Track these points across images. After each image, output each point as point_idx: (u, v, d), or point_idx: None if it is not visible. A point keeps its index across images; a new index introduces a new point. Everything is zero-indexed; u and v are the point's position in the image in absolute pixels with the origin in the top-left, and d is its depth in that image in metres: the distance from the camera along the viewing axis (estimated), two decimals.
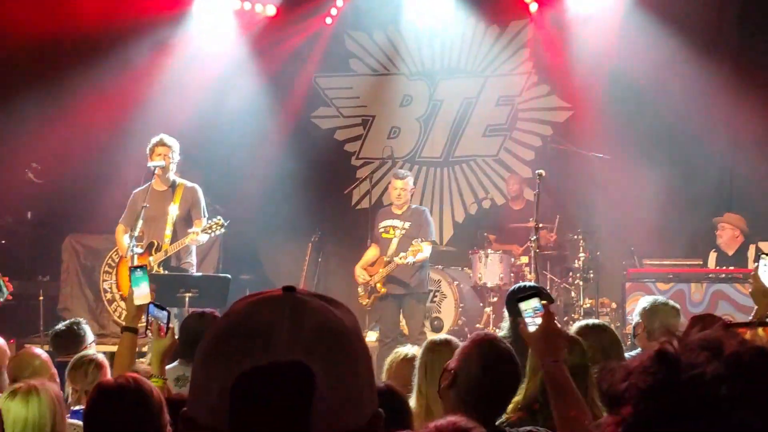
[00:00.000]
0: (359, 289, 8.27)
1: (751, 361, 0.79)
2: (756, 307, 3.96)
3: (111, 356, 4.33)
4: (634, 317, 4.89)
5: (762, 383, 0.78)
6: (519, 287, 4.88)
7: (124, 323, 3.85)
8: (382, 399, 1.05)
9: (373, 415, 1.01)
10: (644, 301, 4.88)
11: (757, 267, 3.94)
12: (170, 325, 3.67)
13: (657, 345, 0.86)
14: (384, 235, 8.21)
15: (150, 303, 3.76)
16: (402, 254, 7.74)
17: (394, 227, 8.16)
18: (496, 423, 2.87)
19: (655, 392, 0.80)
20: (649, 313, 4.73)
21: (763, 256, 3.90)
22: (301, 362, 0.94)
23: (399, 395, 2.98)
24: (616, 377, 0.84)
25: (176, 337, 3.71)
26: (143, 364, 4.27)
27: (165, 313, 3.71)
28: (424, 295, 8.42)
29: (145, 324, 3.83)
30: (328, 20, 10.98)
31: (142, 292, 3.68)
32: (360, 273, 8.20)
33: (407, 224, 8.13)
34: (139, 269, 3.81)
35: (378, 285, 8.08)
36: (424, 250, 7.78)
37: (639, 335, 4.75)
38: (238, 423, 0.93)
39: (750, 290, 3.98)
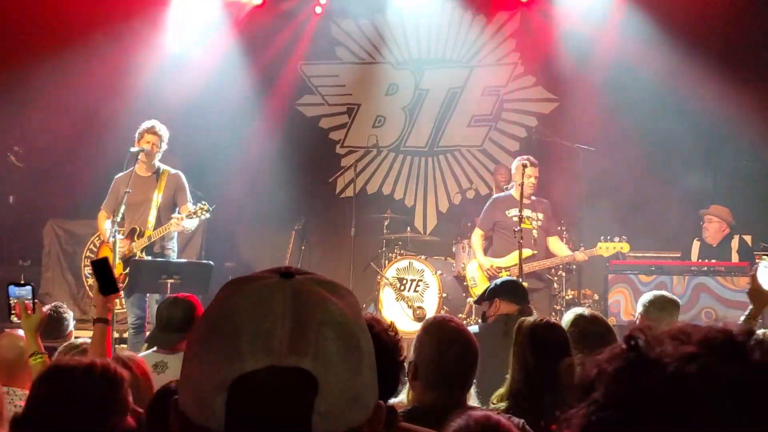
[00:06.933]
0: (472, 279, 8.10)
1: (721, 342, 0.80)
2: (751, 306, 4.05)
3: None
4: (637, 311, 5.02)
5: (730, 362, 0.79)
6: (508, 280, 4.94)
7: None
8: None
9: (375, 408, 0.99)
10: (647, 296, 5.02)
11: (756, 268, 4.06)
12: (35, 301, 3.63)
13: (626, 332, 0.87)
14: (524, 225, 7.46)
15: (9, 284, 3.72)
16: (580, 251, 7.76)
17: (529, 218, 7.77)
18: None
19: (625, 372, 0.81)
20: (650, 306, 4.89)
21: (764, 257, 3.98)
22: (303, 368, 0.90)
23: None
24: (587, 369, 0.85)
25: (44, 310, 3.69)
26: (124, 350, 4.24)
27: (28, 287, 3.68)
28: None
29: (7, 307, 3.78)
30: (318, 9, 10.93)
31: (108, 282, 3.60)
32: (486, 262, 7.88)
33: (540, 215, 7.90)
34: (100, 262, 3.77)
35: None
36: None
37: None
38: (234, 425, 0.90)
39: (747, 290, 4.07)
